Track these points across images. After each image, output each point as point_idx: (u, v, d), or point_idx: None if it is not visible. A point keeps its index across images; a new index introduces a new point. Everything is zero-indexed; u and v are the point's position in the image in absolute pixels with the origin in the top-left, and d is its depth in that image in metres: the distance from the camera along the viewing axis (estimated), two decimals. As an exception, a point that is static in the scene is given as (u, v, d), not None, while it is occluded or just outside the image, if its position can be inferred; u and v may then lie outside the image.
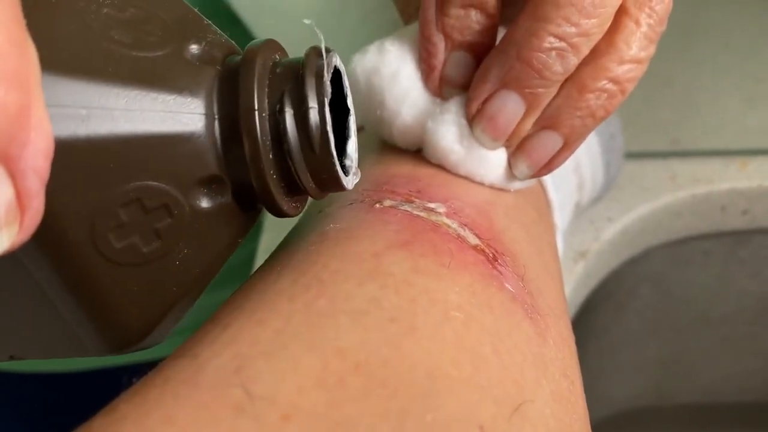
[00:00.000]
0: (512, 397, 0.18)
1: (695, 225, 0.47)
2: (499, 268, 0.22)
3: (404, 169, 0.26)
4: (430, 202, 0.23)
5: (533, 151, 0.25)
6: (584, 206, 0.39)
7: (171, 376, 0.17)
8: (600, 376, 0.56)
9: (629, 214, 0.44)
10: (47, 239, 0.16)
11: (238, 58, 0.20)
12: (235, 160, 0.19)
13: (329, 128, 0.19)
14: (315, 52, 0.20)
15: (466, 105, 0.25)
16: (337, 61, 0.21)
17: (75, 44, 0.17)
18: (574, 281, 0.41)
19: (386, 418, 0.16)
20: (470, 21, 0.24)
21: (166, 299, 0.20)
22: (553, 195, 0.31)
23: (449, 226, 0.22)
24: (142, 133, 0.18)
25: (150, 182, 0.18)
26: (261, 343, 0.18)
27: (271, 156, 0.19)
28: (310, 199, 0.22)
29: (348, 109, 0.21)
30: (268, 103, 0.19)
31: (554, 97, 0.24)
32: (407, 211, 0.23)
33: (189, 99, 0.18)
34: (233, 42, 0.21)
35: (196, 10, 0.20)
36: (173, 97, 0.18)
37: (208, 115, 0.19)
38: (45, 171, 0.14)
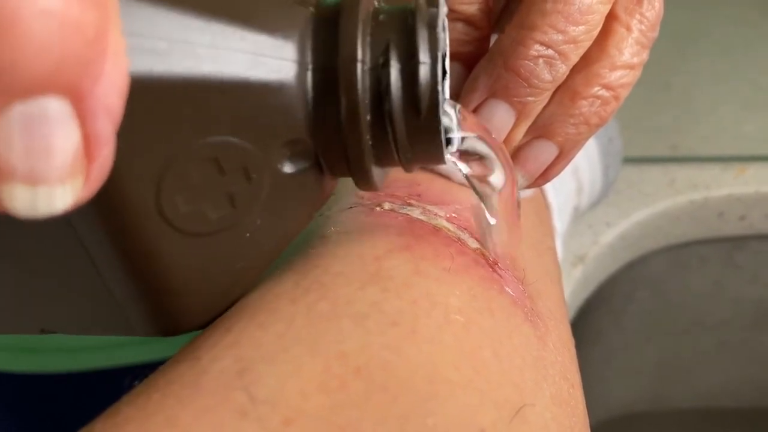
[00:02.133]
0: (512, 401, 0.18)
1: (693, 230, 0.47)
2: (500, 271, 0.22)
3: (404, 173, 0.26)
4: (431, 205, 0.24)
5: (527, 160, 0.25)
6: (583, 210, 0.39)
7: (173, 380, 0.17)
8: (597, 380, 0.56)
9: (628, 219, 0.44)
10: (105, 198, 0.14)
11: (334, 0, 0.17)
12: (327, 120, 0.16)
13: (440, 88, 0.17)
14: None
15: None
16: (445, 13, 0.18)
17: None
18: (573, 285, 0.41)
19: (387, 422, 0.16)
20: (457, 33, 0.24)
21: (230, 277, 0.18)
22: (552, 199, 0.31)
23: (449, 230, 0.23)
24: (227, 77, 0.15)
25: (230, 138, 0.15)
26: (263, 347, 0.18)
27: (368, 117, 0.17)
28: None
29: (445, 72, 0.18)
30: (371, 55, 0.17)
31: (547, 106, 0.24)
32: (407, 214, 0.23)
33: (281, 42, 0.16)
34: None
35: None
36: (263, 37, 0.16)
37: (301, 64, 0.16)
38: (119, 112, 0.11)
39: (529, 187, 0.26)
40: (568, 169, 0.35)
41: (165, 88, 0.14)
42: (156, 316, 0.17)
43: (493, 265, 0.22)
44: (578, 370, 0.23)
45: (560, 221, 0.32)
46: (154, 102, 0.14)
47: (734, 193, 0.46)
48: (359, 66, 0.16)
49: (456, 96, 0.25)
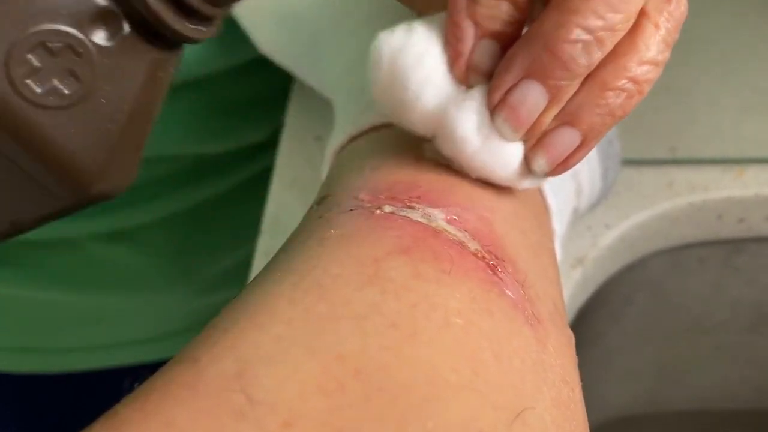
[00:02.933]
0: (512, 404, 0.18)
1: (691, 232, 0.47)
2: (500, 274, 0.22)
3: (405, 175, 0.26)
4: (431, 208, 0.24)
5: (552, 146, 0.25)
6: (582, 212, 0.39)
7: (172, 380, 0.17)
8: (595, 382, 0.56)
9: (627, 221, 0.44)
10: None
11: None
12: None
13: None
14: None
15: (489, 94, 0.25)
16: None
17: None
18: (572, 287, 0.41)
19: (386, 424, 0.16)
20: (501, 12, 0.24)
21: (108, 135, 0.21)
22: (551, 201, 0.31)
23: (449, 232, 0.23)
24: None
25: (48, 25, 0.19)
26: (262, 348, 0.18)
27: None
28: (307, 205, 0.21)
29: None
30: None
31: (575, 94, 0.24)
32: (407, 217, 0.23)
33: None
34: None
35: None
36: None
37: None
38: None
39: (549, 174, 0.26)
40: (568, 171, 0.35)
41: None
42: (66, 181, 0.21)
43: (492, 267, 0.22)
44: (578, 372, 0.23)
45: (559, 223, 0.32)
46: None
47: (733, 195, 0.46)
48: None
49: (489, 75, 0.26)
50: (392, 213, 0.23)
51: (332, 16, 0.40)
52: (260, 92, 0.57)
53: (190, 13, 0.21)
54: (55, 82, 0.20)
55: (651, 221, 0.45)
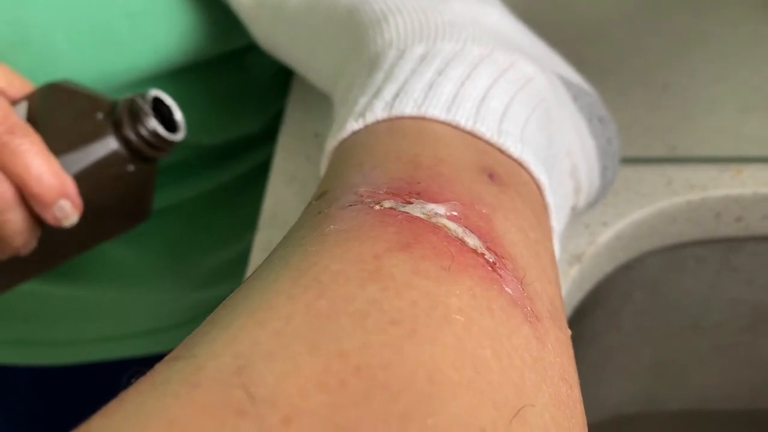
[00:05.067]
0: (512, 402, 0.18)
1: (689, 231, 0.47)
2: (499, 271, 0.22)
3: (404, 171, 0.26)
4: (431, 204, 0.23)
5: None
6: (580, 210, 0.39)
7: (170, 377, 0.17)
8: (593, 381, 0.56)
9: (624, 219, 0.44)
10: None
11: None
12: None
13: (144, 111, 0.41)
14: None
15: None
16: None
17: None
18: (569, 285, 0.41)
19: (387, 422, 0.16)
20: None
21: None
22: (550, 198, 0.31)
23: (450, 229, 0.22)
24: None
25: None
26: (261, 344, 0.17)
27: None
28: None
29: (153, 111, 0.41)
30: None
31: None
32: (407, 213, 0.23)
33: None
34: None
35: None
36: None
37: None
38: None
39: None
40: (567, 169, 0.35)
41: None
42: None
43: (492, 264, 0.22)
44: (576, 371, 0.23)
45: (557, 221, 0.32)
46: None
47: (731, 194, 0.46)
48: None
49: None
50: (392, 208, 0.23)
51: (326, 11, 0.40)
52: (253, 82, 0.57)
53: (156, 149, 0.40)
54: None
55: (649, 219, 0.45)
